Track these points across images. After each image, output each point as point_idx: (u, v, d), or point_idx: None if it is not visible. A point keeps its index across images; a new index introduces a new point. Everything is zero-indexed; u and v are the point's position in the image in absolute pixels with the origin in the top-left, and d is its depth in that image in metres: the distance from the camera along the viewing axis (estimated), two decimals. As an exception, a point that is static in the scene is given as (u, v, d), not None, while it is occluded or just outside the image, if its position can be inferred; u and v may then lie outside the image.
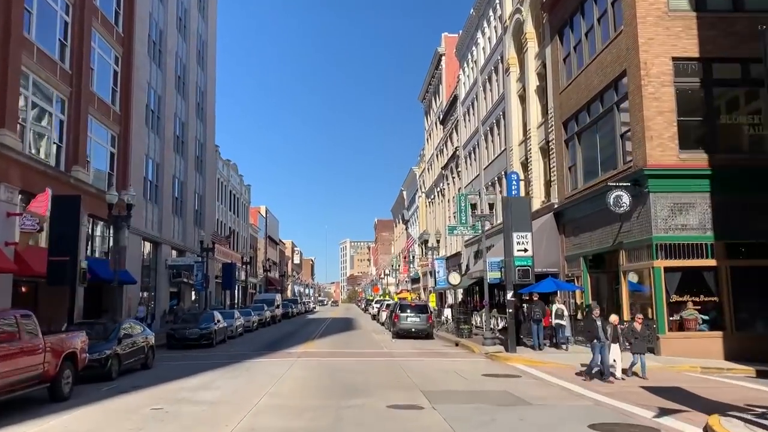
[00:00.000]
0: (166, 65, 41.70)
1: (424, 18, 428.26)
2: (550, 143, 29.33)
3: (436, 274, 38.94)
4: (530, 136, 32.54)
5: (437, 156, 64.72)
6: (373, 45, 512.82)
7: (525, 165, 34.06)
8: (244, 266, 52.37)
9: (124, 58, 34.13)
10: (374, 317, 53.72)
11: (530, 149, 32.56)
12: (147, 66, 37.79)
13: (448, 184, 57.08)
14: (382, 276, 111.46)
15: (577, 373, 15.88)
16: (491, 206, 27.52)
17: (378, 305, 52.91)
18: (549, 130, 29.38)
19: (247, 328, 36.75)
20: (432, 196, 67.59)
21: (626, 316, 21.73)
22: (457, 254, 50.73)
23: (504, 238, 20.88)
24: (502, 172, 38.09)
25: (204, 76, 53.07)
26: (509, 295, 20.23)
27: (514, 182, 31.94)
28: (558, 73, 28.40)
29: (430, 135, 71.19)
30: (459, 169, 51.33)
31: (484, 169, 42.91)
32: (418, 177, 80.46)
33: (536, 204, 31.74)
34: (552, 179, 29.16)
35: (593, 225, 24.39)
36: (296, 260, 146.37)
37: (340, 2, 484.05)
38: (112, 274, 28.21)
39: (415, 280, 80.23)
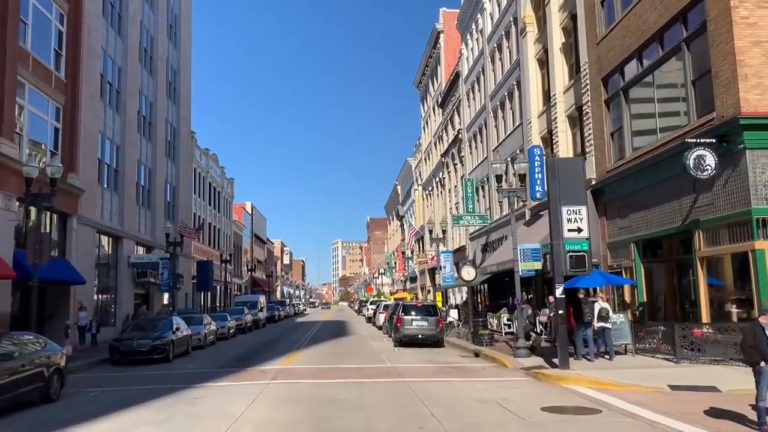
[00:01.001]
0: (128, 33, 36.20)
1: (414, 6, 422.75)
2: (584, 107, 24.13)
3: (442, 269, 33.53)
4: (555, 103, 27.34)
5: (436, 143, 59.50)
6: (363, 37, 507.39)
7: (548, 139, 28.89)
8: (223, 264, 46.89)
9: (71, 17, 28.62)
10: (370, 320, 48.34)
11: (555, 119, 27.35)
12: (102, 30, 32.29)
13: (449, 172, 51.85)
14: (376, 275, 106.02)
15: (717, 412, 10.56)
16: (522, 177, 22.10)
17: (374, 307, 47.47)
18: (582, 91, 24.17)
19: (221, 335, 31.33)
20: (429, 188, 62.37)
21: (705, 317, 16.54)
22: (461, 249, 45.51)
23: (549, 215, 15.56)
24: (517, 151, 32.86)
25: (177, 53, 47.55)
26: (558, 291, 14.89)
27: (537, 158, 26.72)
28: (594, 21, 23.19)
29: (426, 122, 65.97)
30: (462, 155, 46.11)
31: (494, 150, 37.63)
32: (413, 169, 75.23)
33: (564, 183, 26.59)
34: (587, 151, 23.95)
35: (649, 202, 19.20)
36: (286, 261, 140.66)
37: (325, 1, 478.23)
38: (50, 272, 22.85)
39: (411, 279, 74.93)
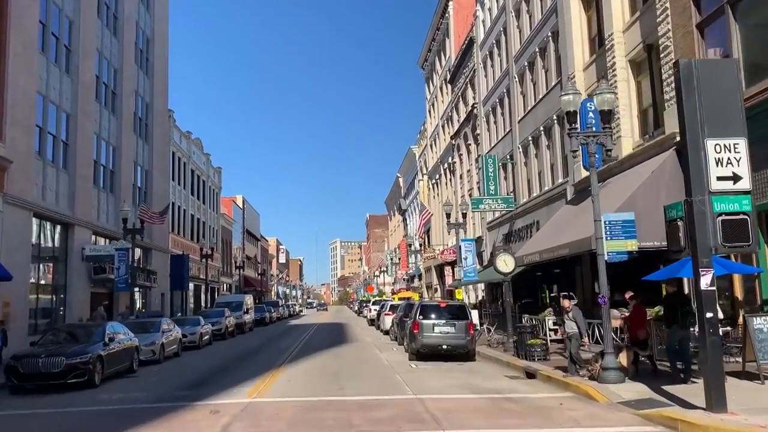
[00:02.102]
0: (82, -20, 30.12)
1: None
2: (660, 42, 18.09)
3: (462, 261, 27.32)
4: (611, 46, 21.29)
5: (444, 126, 53.45)
6: (363, 35, 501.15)
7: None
8: (204, 260, 40.83)
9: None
10: (372, 322, 42.34)
11: (612, 66, 21.32)
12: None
13: (461, 155, 45.80)
14: (377, 274, 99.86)
15: None
16: (605, 116, 15.67)
17: (377, 307, 41.30)
18: (658, 20, 18.12)
19: (190, 344, 25.33)
20: (437, 176, 56.31)
21: None
22: (476, 240, 39.43)
23: (687, 153, 9.35)
24: (553, 119, 26.88)
25: (149, 18, 41.47)
26: (705, 282, 8.75)
27: (590, 114, 20.69)
28: None
29: (433, 105, 59.92)
30: (477, 132, 40.06)
31: (520, 121, 31.65)
32: (417, 158, 69.17)
33: (627, 147, 20.63)
34: (666, 99, 17.92)
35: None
36: (282, 259, 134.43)
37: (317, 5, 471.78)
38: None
39: (414, 278, 68.83)
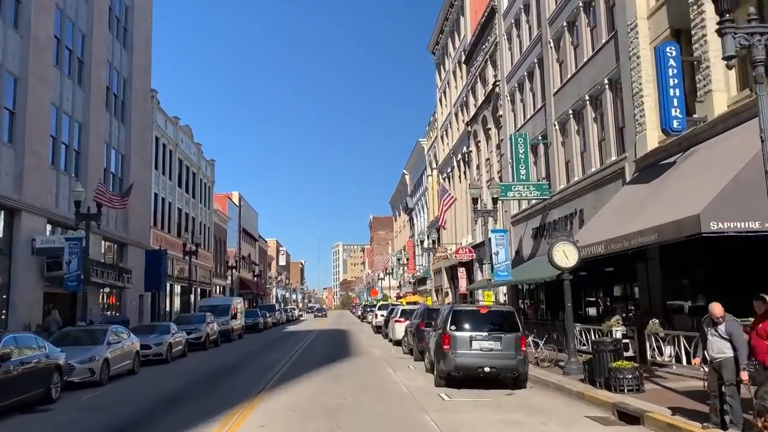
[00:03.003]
0: None
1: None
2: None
3: (493, 256, 21.96)
4: (696, -23, 16.32)
5: (457, 113, 48.53)
6: (368, 37, 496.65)
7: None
8: (186, 257, 35.73)
9: None
10: (378, 330, 37.32)
11: (697, 3, 16.35)
12: None
13: (478, 142, 40.86)
14: (381, 276, 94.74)
15: None
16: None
17: (384, 312, 36.14)
18: None
19: (155, 357, 20.40)
20: (448, 170, 51.37)
21: None
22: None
23: None
24: (603, 84, 21.94)
25: (129, -17, 36.65)
26: None
27: (671, 61, 15.78)
28: None
29: (444, 93, 55.00)
30: (499, 114, 35.12)
31: (556, 93, 26.72)
32: (426, 151, 64.28)
33: (720, 105, 15.69)
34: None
35: None
36: (282, 261, 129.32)
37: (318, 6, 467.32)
38: None
39: (422, 281, 63.85)
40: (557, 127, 26.65)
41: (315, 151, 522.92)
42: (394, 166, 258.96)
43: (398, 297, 76.13)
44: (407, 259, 67.82)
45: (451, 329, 13.71)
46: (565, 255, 13.84)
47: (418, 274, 66.10)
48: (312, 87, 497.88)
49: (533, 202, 29.37)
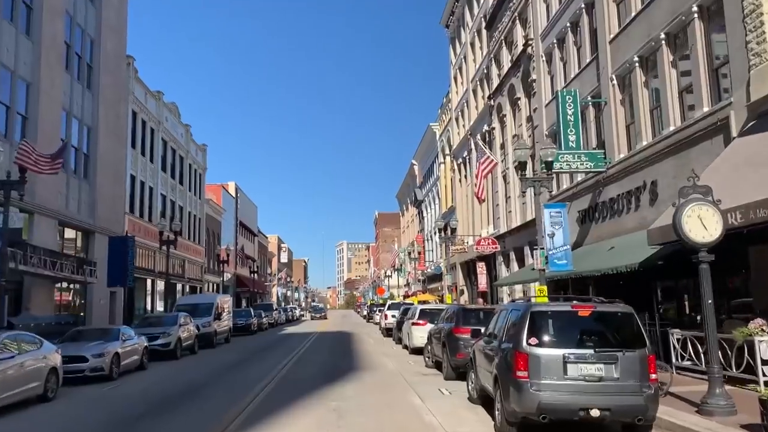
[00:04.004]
0: None
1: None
2: None
3: (547, 238, 16.04)
4: None
5: (476, 88, 43.10)
6: (377, 42, 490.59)
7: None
8: (163, 248, 30.32)
9: None
10: (389, 332, 31.87)
11: None
12: None
13: (503, 116, 35.42)
14: (389, 274, 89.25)
15: None
16: None
17: (396, 313, 30.50)
18: None
19: (93, 373, 15.11)
20: (464, 154, 45.96)
21: None
22: (527, 225, 29.06)
23: None
24: (692, 11, 16.48)
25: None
26: None
27: None
28: None
29: (460, 69, 49.52)
30: (532, 78, 29.67)
31: (612, 41, 21.25)
32: (438, 136, 58.86)
33: None
34: None
35: None
36: (284, 258, 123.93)
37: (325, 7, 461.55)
38: None
39: (433, 278, 58.39)
40: (615, 82, 21.20)
41: (319, 150, 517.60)
42: (400, 164, 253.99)
43: (406, 296, 70.68)
44: (419, 253, 62.33)
45: (530, 344, 8.23)
46: (703, 224, 8.52)
47: (429, 270, 60.69)
48: (314, 86, 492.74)
49: (578, 178, 24.03)
